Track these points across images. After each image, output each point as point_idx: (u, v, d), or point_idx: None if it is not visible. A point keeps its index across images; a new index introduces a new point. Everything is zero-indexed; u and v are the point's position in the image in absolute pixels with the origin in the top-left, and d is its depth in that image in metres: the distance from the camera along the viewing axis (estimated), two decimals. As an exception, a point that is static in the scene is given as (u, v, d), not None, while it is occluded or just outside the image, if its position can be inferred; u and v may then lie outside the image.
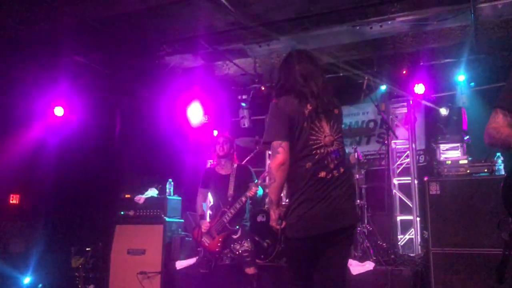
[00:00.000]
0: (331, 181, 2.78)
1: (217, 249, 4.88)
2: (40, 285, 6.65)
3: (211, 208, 5.35)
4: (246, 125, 7.74)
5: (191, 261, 5.58)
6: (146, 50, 6.50)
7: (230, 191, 4.92)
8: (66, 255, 7.15)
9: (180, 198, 6.46)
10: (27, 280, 6.56)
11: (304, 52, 3.05)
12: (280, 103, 2.82)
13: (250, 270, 4.76)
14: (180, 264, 5.71)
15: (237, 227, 4.87)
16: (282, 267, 5.12)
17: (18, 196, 7.34)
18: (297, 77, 2.84)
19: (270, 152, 2.91)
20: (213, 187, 5.11)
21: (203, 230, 4.92)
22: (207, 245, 4.93)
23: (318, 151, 2.78)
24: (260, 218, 5.41)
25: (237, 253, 4.86)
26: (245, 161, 6.79)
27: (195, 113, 7.87)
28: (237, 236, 4.86)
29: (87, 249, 7.12)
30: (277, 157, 2.71)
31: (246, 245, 4.83)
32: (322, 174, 2.76)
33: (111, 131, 7.81)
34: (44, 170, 7.23)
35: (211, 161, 6.85)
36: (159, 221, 6.00)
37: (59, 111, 7.32)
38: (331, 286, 2.87)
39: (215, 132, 7.93)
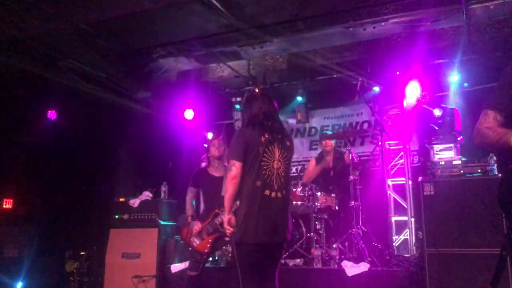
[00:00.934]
0: (274, 200, 3.40)
1: (206, 250, 4.82)
2: (34, 290, 6.61)
3: (203, 209, 5.31)
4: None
5: (186, 264, 5.55)
6: (139, 53, 6.49)
7: (223, 194, 4.91)
8: (60, 260, 7.12)
9: (174, 201, 6.44)
10: (19, 285, 6.50)
11: (266, 94, 3.81)
12: (243, 131, 3.52)
13: None
14: (175, 268, 5.69)
15: None
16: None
17: (11, 200, 7.30)
18: (260, 115, 3.52)
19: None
20: (204, 188, 5.12)
21: (194, 231, 4.87)
22: (196, 245, 4.85)
23: (267, 172, 3.41)
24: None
25: (229, 255, 4.84)
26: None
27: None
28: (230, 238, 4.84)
29: (81, 253, 7.09)
30: (230, 173, 3.38)
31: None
32: (267, 192, 3.38)
33: (105, 135, 7.78)
34: (37, 174, 7.20)
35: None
36: (153, 224, 5.99)
37: (52, 115, 7.28)
38: None
39: (210, 135, 7.93)
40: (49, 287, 6.81)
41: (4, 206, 7.21)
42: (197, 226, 4.88)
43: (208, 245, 4.80)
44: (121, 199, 6.27)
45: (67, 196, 7.40)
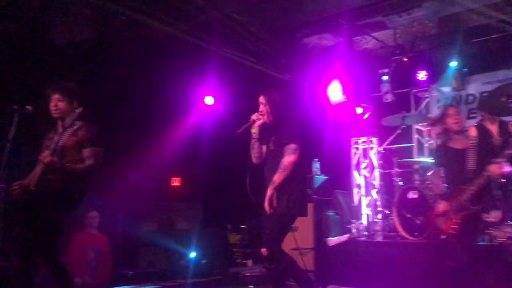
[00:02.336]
0: None
1: (452, 232, 4.14)
2: (203, 261, 7.20)
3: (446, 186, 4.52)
4: (390, 100, 7.48)
5: (342, 238, 5.67)
6: (285, 35, 6.67)
7: (469, 166, 4.13)
8: (224, 232, 7.72)
9: (327, 177, 6.55)
10: (192, 254, 7.17)
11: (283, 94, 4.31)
12: (293, 119, 4.01)
13: None
14: (332, 241, 5.83)
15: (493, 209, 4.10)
16: (437, 244, 4.95)
17: (178, 179, 8.06)
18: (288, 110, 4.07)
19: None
20: (446, 164, 4.45)
21: (438, 211, 4.26)
22: (441, 227, 4.25)
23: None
24: (411, 195, 5.25)
25: (497, 239, 4.25)
26: (390, 139, 6.54)
27: (335, 91, 7.84)
28: (495, 220, 4.08)
29: (241, 226, 7.60)
30: (293, 156, 3.77)
31: (510, 230, 4.23)
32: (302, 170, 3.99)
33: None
34: (199, 154, 7.82)
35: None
36: (308, 199, 6.16)
37: (209, 100, 7.84)
38: None
39: (359, 110, 7.81)
40: (217, 257, 7.39)
41: (173, 184, 8.02)
42: (440, 206, 4.26)
43: (455, 226, 4.13)
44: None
45: (226, 173, 7.94)
